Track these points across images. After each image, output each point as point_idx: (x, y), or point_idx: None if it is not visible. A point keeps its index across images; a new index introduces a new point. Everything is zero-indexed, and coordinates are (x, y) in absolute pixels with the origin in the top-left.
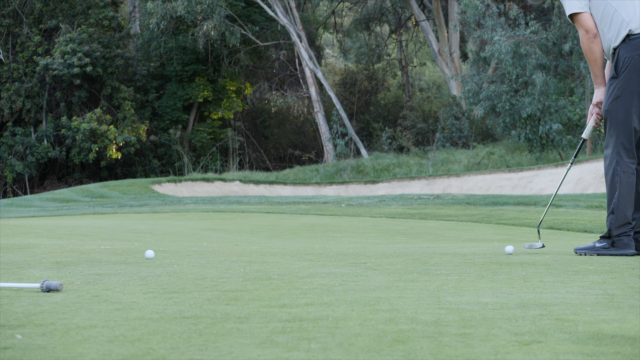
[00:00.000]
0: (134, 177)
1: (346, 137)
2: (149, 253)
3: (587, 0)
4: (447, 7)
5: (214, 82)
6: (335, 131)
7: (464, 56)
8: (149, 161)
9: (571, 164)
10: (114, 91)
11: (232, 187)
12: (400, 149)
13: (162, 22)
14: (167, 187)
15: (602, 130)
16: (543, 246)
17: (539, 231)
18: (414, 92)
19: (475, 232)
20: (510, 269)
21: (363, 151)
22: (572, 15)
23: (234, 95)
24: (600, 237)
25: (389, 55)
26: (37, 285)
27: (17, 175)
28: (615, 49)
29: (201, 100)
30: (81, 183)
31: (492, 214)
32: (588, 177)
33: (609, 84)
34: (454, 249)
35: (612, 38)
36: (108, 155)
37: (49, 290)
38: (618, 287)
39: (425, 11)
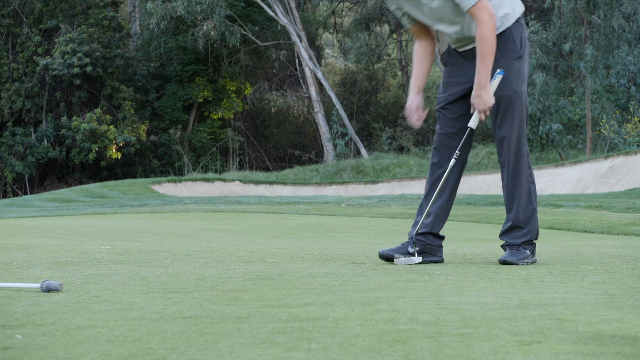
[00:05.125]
0: (134, 177)
1: (346, 137)
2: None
3: None
4: None
5: (214, 82)
6: (335, 131)
7: None
8: (149, 161)
9: (455, 159)
10: (114, 91)
11: (232, 187)
12: (400, 149)
13: (162, 22)
14: (167, 187)
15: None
16: (422, 261)
17: (414, 242)
18: None
19: (475, 232)
20: (510, 269)
21: (363, 151)
22: (474, 5)
23: (234, 95)
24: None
25: (389, 55)
26: (37, 285)
27: (17, 175)
28: (504, 30)
29: (201, 100)
30: (81, 183)
31: (492, 214)
32: (588, 177)
33: (511, 64)
34: (454, 249)
35: (502, 18)
36: (108, 155)
37: (49, 290)
38: (618, 287)
39: None
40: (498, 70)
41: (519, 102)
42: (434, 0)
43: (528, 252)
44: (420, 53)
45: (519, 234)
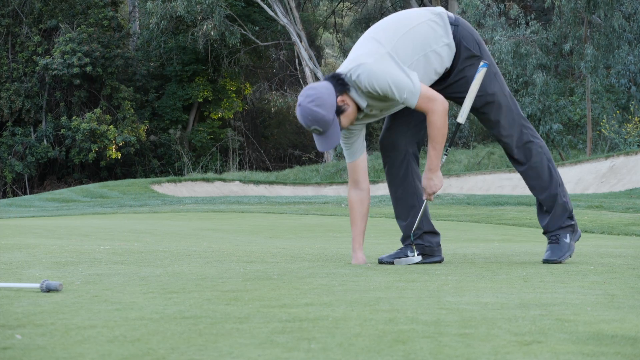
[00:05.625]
0: (134, 177)
1: None
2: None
3: (411, 71)
4: (447, 7)
5: (213, 82)
6: None
7: None
8: (149, 161)
9: (445, 154)
10: (114, 91)
11: (232, 187)
12: None
13: (162, 22)
14: (167, 187)
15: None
16: (421, 260)
17: (412, 241)
18: None
19: (475, 232)
20: (510, 269)
21: None
22: (417, 101)
23: (234, 95)
24: None
25: None
26: (37, 285)
27: (16, 175)
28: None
29: (201, 100)
30: (81, 183)
31: (492, 214)
32: (588, 177)
33: (471, 64)
34: (454, 249)
35: (447, 45)
36: (108, 155)
37: (48, 290)
38: (618, 287)
39: None
40: (482, 63)
41: (496, 100)
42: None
43: (568, 238)
44: (359, 206)
45: (557, 217)
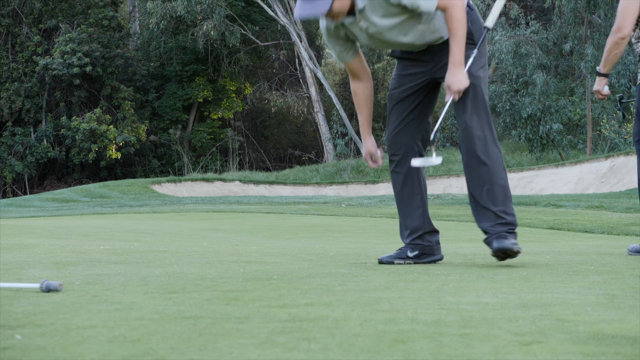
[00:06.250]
0: (134, 177)
1: (346, 137)
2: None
3: None
4: None
5: (213, 82)
6: (335, 131)
7: None
8: (149, 161)
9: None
10: (114, 91)
11: (232, 187)
12: None
13: (162, 21)
14: (166, 187)
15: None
16: (441, 163)
17: (433, 141)
18: None
19: (475, 232)
20: (510, 269)
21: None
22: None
23: (233, 95)
24: None
25: (389, 55)
26: (37, 285)
27: (16, 175)
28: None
29: (201, 100)
30: (81, 183)
31: None
32: (588, 177)
33: (467, 49)
34: (454, 249)
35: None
36: (108, 155)
37: (48, 290)
38: (618, 287)
39: None
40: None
41: (478, 88)
42: (390, 20)
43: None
44: (362, 95)
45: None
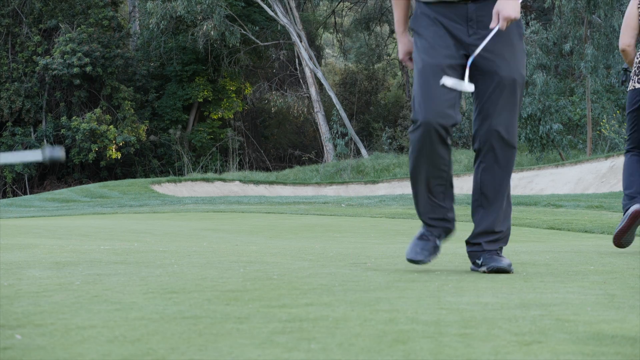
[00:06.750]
0: (134, 177)
1: (346, 137)
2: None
3: None
4: None
5: (213, 82)
6: (335, 131)
7: None
8: (149, 161)
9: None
10: (114, 91)
11: (232, 187)
12: (400, 149)
13: (162, 22)
14: (166, 187)
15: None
16: (472, 92)
17: (469, 66)
18: None
19: None
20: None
21: (363, 151)
22: None
23: (234, 95)
24: None
25: (389, 55)
26: (39, 155)
27: (16, 175)
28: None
29: (201, 100)
30: (81, 183)
31: None
32: (588, 177)
33: (521, 47)
34: (454, 249)
35: None
36: (108, 155)
37: (51, 159)
38: (619, 287)
39: None
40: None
41: (522, 84)
42: None
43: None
44: None
45: (493, 239)
